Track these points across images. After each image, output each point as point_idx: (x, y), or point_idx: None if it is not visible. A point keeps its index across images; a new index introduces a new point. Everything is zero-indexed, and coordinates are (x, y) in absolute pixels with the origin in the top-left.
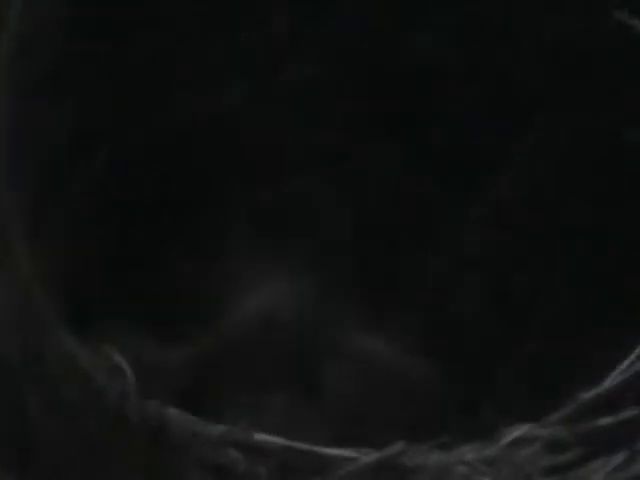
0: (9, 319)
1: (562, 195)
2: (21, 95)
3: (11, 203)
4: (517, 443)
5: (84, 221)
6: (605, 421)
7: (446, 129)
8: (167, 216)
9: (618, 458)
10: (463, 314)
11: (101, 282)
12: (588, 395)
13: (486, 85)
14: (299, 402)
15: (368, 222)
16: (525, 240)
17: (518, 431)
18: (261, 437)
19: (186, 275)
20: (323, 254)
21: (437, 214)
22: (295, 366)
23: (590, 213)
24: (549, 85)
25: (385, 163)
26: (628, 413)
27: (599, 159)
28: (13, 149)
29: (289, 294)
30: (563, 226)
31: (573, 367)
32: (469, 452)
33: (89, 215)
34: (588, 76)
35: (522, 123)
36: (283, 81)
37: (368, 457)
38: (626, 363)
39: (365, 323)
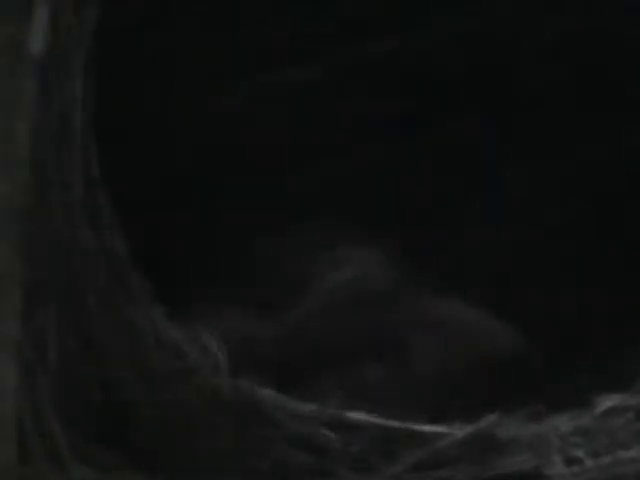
0: (100, 295)
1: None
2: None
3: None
4: (610, 412)
5: None
6: None
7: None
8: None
9: None
10: None
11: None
12: None
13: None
14: (389, 372)
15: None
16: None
17: (611, 400)
18: (353, 415)
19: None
20: None
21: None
22: (384, 336)
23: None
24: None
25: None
26: None
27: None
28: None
29: (375, 265)
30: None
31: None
32: (563, 422)
33: None
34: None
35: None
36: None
37: (462, 432)
38: None
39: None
